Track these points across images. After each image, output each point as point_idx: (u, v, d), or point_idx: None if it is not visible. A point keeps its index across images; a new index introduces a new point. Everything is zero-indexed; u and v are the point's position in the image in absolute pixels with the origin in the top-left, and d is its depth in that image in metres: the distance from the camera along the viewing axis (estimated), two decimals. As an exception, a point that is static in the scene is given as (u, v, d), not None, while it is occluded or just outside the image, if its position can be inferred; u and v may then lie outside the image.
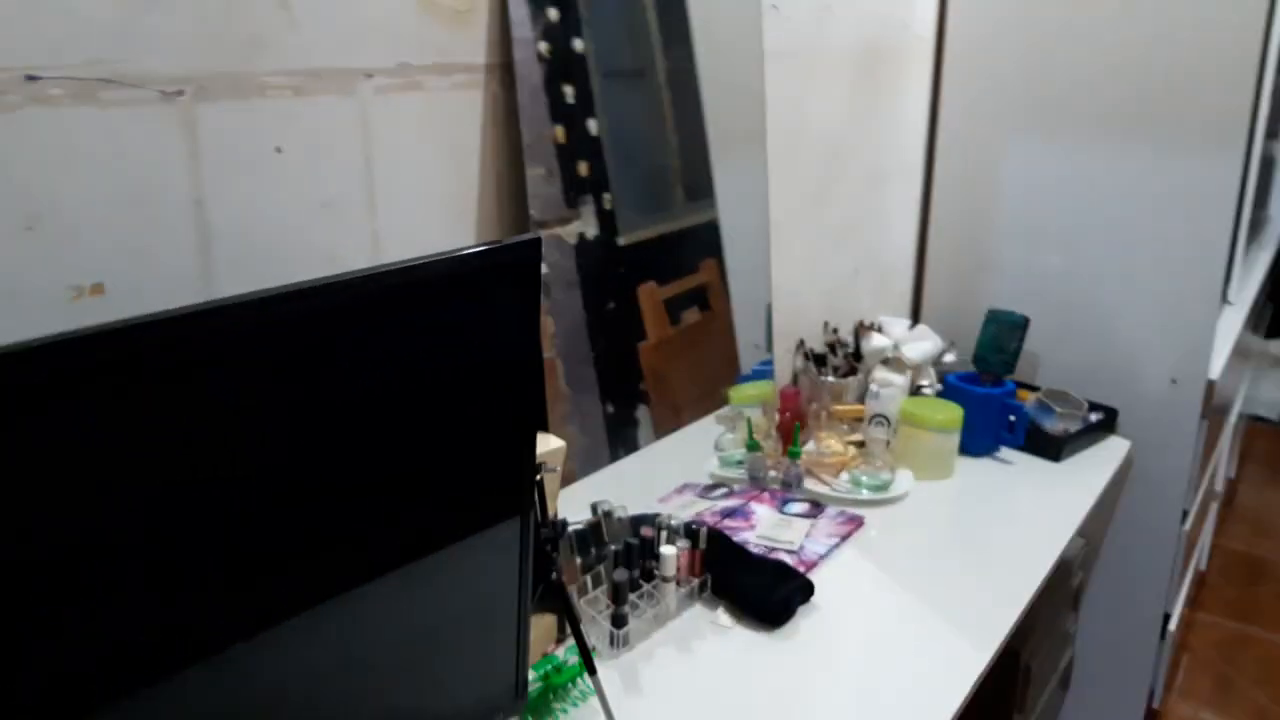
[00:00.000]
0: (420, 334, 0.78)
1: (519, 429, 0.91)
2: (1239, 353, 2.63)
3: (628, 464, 1.64)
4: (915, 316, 2.27)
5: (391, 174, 1.05)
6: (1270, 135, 2.21)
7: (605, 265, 1.68)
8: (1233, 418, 2.67)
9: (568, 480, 1.54)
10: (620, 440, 1.70)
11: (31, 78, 0.72)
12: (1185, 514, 2.06)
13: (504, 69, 1.21)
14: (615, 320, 1.71)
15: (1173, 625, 2.15)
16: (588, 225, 1.64)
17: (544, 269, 1.52)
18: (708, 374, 1.86)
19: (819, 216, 1.94)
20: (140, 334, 0.60)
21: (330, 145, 0.96)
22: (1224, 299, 2.35)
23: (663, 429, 1.78)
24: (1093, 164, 1.98)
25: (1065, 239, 2.05)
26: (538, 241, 0.81)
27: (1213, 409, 2.05)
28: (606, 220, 1.68)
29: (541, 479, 1.06)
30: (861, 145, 2.01)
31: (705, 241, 1.90)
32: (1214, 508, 2.74)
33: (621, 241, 1.72)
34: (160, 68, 0.80)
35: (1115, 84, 1.92)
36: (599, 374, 1.67)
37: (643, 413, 1.75)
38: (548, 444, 1.12)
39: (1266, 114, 2.03)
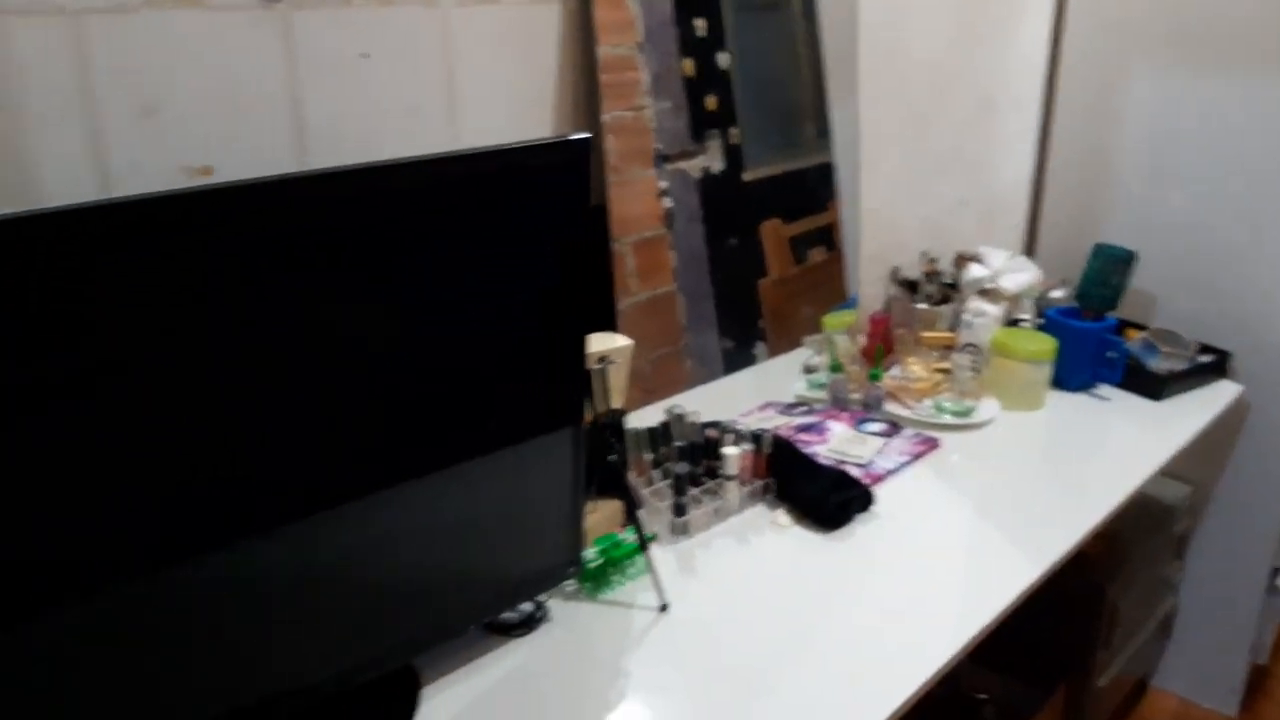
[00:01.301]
0: (473, 225, 0.86)
1: (570, 329, 0.99)
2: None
3: (729, 380, 1.71)
4: (1029, 252, 2.23)
5: (472, 82, 1.14)
6: None
7: (729, 201, 1.70)
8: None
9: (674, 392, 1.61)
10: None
11: (149, -16, 0.85)
12: (1305, 466, 1.98)
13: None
14: (737, 256, 1.74)
15: (1285, 581, 2.08)
16: (713, 160, 1.67)
17: (668, 203, 1.58)
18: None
19: (920, 144, 1.94)
20: (224, 198, 0.71)
21: (415, 53, 1.06)
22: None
23: (779, 362, 1.80)
24: (1227, 96, 1.89)
25: (1193, 176, 1.97)
26: (586, 141, 0.89)
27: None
28: (733, 155, 1.70)
29: (604, 370, 1.15)
30: (971, 71, 1.98)
31: (833, 181, 1.90)
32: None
33: (747, 177, 1.74)
34: (262, -22, 0.92)
35: (1257, 7, 1.83)
36: (718, 309, 1.72)
37: (760, 350, 1.80)
38: (615, 341, 1.21)
39: None
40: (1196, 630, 2.18)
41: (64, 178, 0.85)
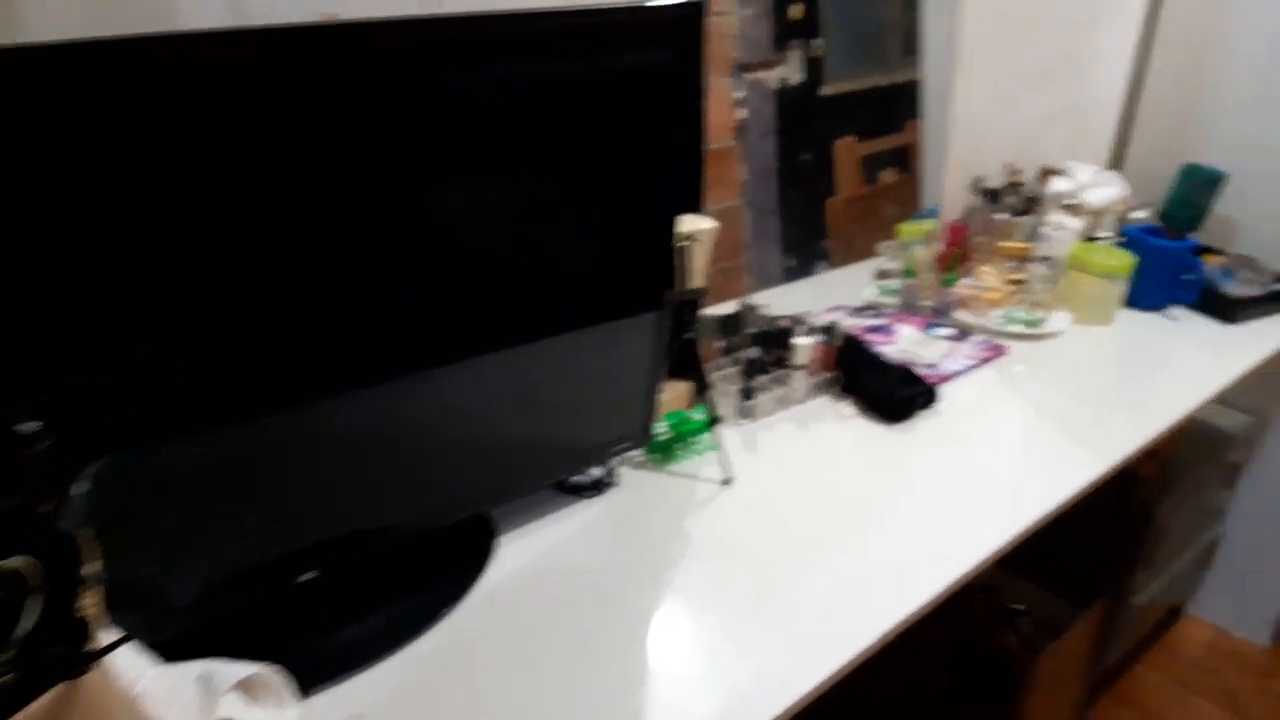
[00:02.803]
0: (573, 89, 0.86)
1: (664, 211, 1.00)
2: None
3: (794, 286, 1.72)
4: (1116, 170, 2.19)
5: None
6: None
7: (805, 114, 1.66)
8: None
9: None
10: (796, 295, 1.73)
11: None
12: (1372, 406, 1.96)
13: None
14: (808, 173, 1.70)
15: (1336, 519, 2.08)
16: (792, 71, 1.63)
17: (743, 114, 1.54)
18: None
19: (1015, 55, 1.89)
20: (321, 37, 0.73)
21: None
22: None
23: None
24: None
25: (1294, 103, 1.91)
26: (698, 6, 0.89)
27: None
28: (813, 68, 1.66)
29: (688, 250, 1.17)
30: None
31: (914, 101, 1.86)
32: None
33: (825, 91, 1.71)
34: None
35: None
36: (784, 226, 1.70)
37: (822, 269, 1.79)
38: (701, 223, 1.22)
39: None
40: (1238, 560, 2.19)
41: (201, 17, 0.87)
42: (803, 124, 1.67)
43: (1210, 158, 1.97)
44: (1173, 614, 2.31)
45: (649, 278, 1.04)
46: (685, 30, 0.90)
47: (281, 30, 0.69)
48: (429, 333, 0.88)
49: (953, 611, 1.14)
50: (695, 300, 1.19)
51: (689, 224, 1.21)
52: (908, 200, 1.89)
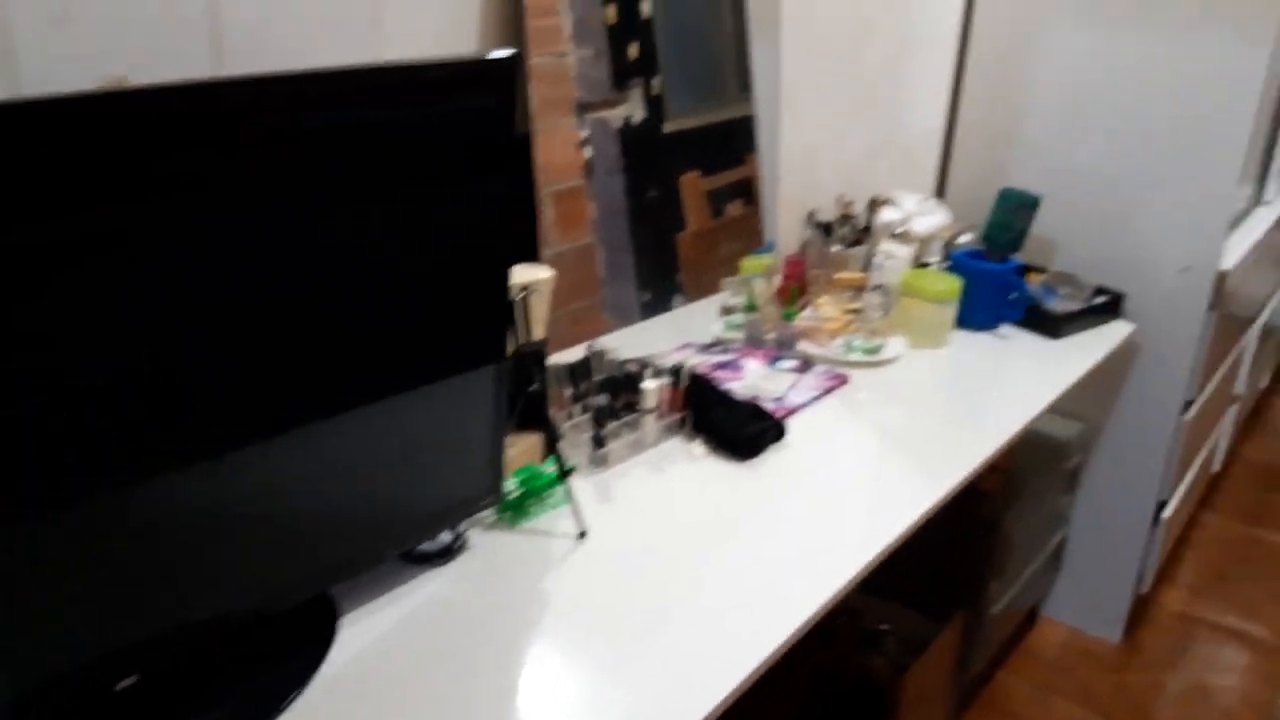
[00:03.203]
0: (393, 144, 0.84)
1: (494, 259, 0.98)
2: (1275, 259, 2.60)
3: (648, 323, 1.72)
4: (939, 198, 2.29)
5: (398, 2, 1.12)
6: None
7: (649, 152, 1.68)
8: (1259, 324, 2.66)
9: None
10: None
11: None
12: (1188, 405, 2.09)
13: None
14: (657, 209, 1.72)
15: (1167, 514, 2.21)
16: (634, 109, 1.64)
17: (587, 152, 1.55)
18: (746, 267, 1.89)
19: (838, 90, 1.96)
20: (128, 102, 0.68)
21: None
22: (1259, 199, 2.34)
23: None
24: (1128, 47, 1.96)
25: (1095, 125, 2.04)
26: (515, 58, 0.88)
27: (1227, 305, 2.06)
28: (655, 105, 1.68)
29: (526, 300, 1.15)
30: (889, 19, 2.01)
31: (752, 135, 1.90)
32: (1232, 412, 2.75)
33: (668, 128, 1.73)
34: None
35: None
36: (636, 263, 1.71)
37: (678, 303, 1.80)
38: (538, 273, 1.21)
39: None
40: (1085, 561, 2.30)
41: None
42: (648, 161, 1.68)
43: (1025, 181, 2.08)
44: (1029, 618, 2.40)
45: (484, 331, 1.01)
46: (503, 83, 0.89)
47: (72, 100, 0.64)
48: (251, 403, 0.83)
49: (818, 639, 1.14)
50: (539, 351, 1.17)
51: (525, 274, 1.20)
52: (753, 232, 1.93)
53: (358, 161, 0.82)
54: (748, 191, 1.89)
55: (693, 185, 1.78)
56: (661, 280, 1.75)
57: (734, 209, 1.87)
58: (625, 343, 1.63)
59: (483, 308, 1.00)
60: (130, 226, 0.70)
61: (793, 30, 1.81)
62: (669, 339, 1.68)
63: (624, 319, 1.70)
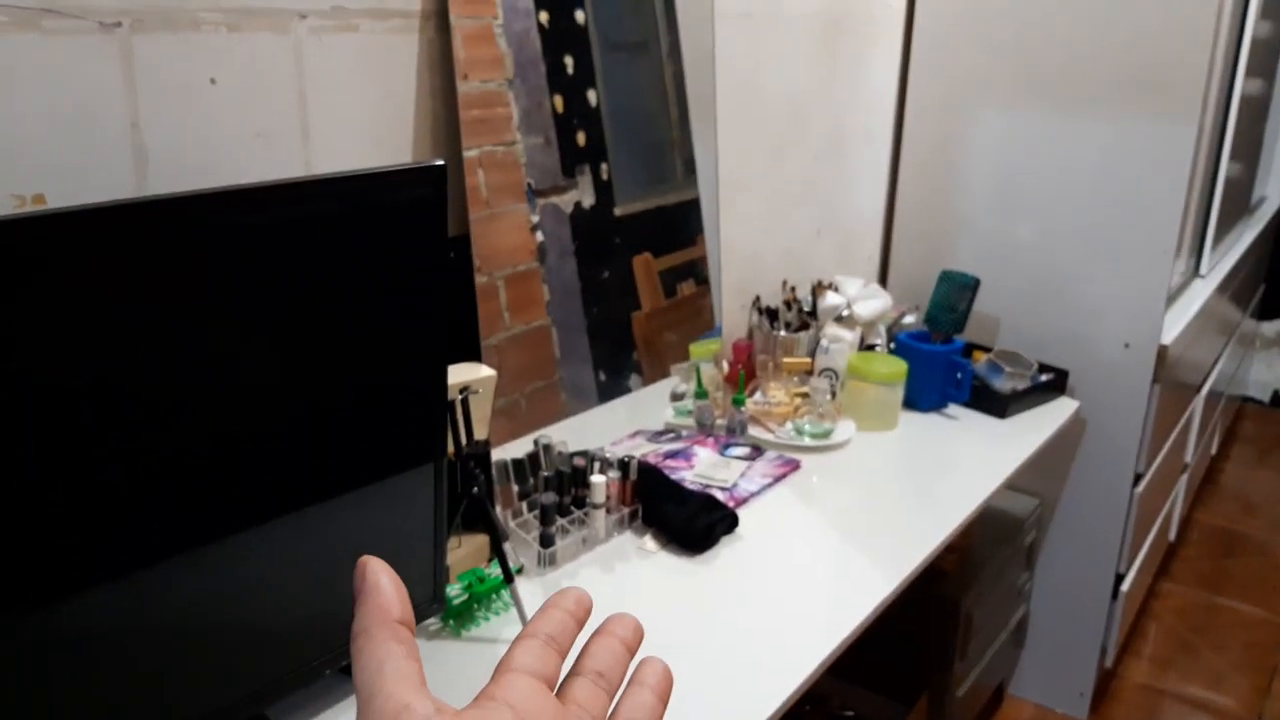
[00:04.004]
0: (322, 255, 0.84)
1: (429, 364, 0.98)
2: (1216, 328, 2.66)
3: (604, 408, 1.72)
4: (883, 280, 2.33)
5: (326, 109, 1.12)
6: (1231, 104, 2.24)
7: (601, 235, 1.71)
8: (1204, 392, 2.70)
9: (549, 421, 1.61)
10: (612, 409, 1.74)
11: (-25, 5, 0.80)
12: (1139, 478, 2.11)
13: (439, 15, 1.28)
14: (609, 290, 1.74)
15: (1126, 586, 2.21)
16: (584, 194, 1.68)
17: (539, 237, 1.58)
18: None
19: (777, 177, 2.00)
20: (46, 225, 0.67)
21: (265, 79, 1.03)
22: (1196, 271, 2.40)
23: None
24: (1059, 132, 2.03)
25: (1030, 206, 2.10)
26: (442, 169, 0.88)
27: (1171, 376, 2.10)
28: (603, 190, 1.71)
29: (466, 401, 1.14)
30: (825, 108, 2.07)
31: (700, 216, 1.94)
32: (1184, 480, 2.78)
33: (618, 212, 1.76)
34: (100, 1, 0.88)
35: (1079, 54, 1.97)
36: (592, 342, 1.72)
37: (635, 382, 1.80)
38: (479, 372, 1.20)
39: (1221, 80, 2.07)
40: (1047, 637, 2.29)
41: None
42: (600, 243, 1.71)
43: (966, 261, 2.12)
44: (996, 696, 2.37)
45: (419, 432, 1.00)
46: (432, 190, 0.89)
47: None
48: (175, 511, 0.80)
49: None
50: (483, 453, 1.15)
51: (466, 373, 1.19)
52: (706, 310, 1.95)
53: (289, 271, 0.81)
54: (699, 272, 1.92)
55: (645, 266, 1.80)
56: (617, 360, 1.76)
57: (686, 288, 1.89)
58: (579, 429, 1.62)
59: (417, 408, 0.98)
60: (52, 336, 0.68)
61: (728, 124, 1.85)
62: (623, 424, 1.67)
63: (581, 399, 1.69)
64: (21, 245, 0.65)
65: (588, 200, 1.68)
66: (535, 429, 1.58)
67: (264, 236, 0.79)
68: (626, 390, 1.79)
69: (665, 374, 1.86)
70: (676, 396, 1.77)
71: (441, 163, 0.84)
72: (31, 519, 0.71)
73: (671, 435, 1.66)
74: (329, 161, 1.13)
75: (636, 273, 1.80)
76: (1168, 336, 2.00)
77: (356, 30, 1.13)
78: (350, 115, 1.16)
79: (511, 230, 1.53)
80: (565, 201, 1.63)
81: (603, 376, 1.73)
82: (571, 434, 1.59)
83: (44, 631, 0.75)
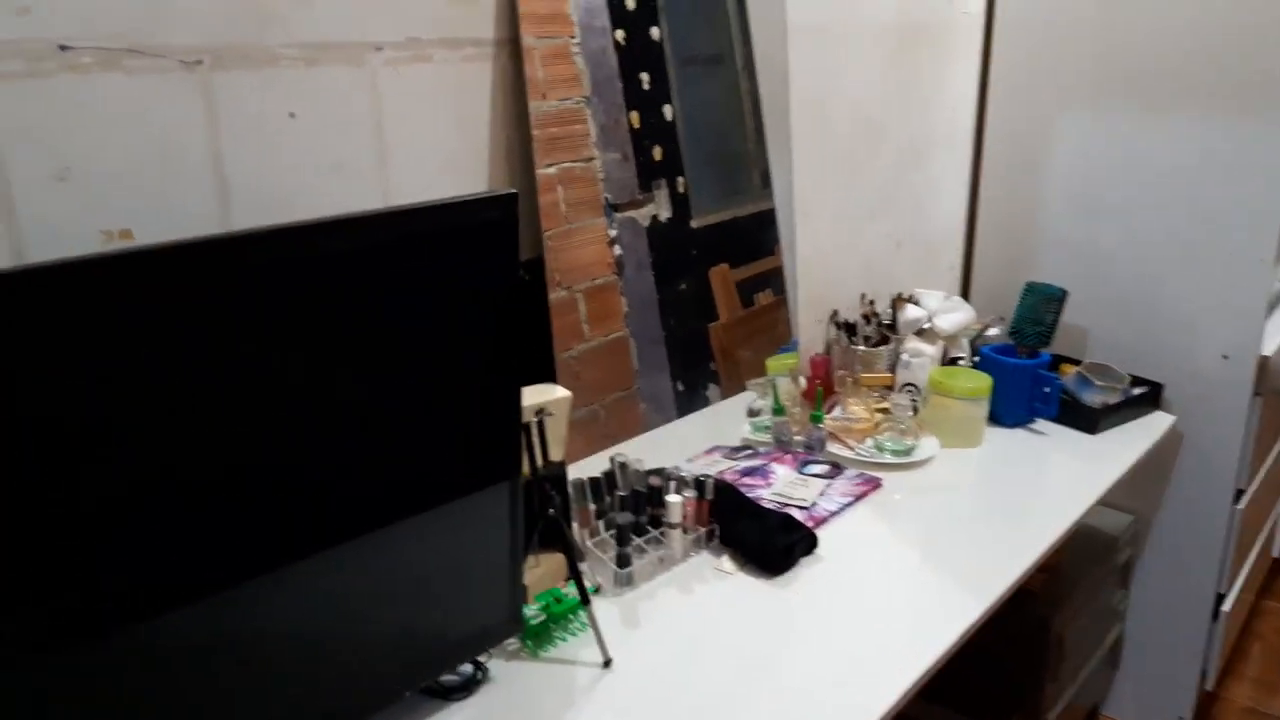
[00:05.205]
0: (398, 282, 0.85)
1: (504, 386, 0.98)
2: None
3: (682, 423, 1.72)
4: (964, 291, 2.28)
5: (402, 139, 1.14)
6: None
7: (678, 247, 1.73)
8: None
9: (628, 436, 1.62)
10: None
11: (64, 47, 0.83)
12: (1240, 494, 2.02)
13: (512, 43, 1.29)
14: (687, 301, 1.76)
15: (1227, 606, 2.11)
16: (661, 208, 1.70)
17: (617, 250, 1.61)
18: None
19: (853, 189, 1.97)
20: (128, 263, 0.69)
21: (342, 111, 1.05)
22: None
23: (731, 404, 1.82)
24: (1148, 135, 1.96)
25: (1118, 212, 2.03)
26: (513, 196, 0.89)
27: (1273, 388, 2.00)
28: (680, 203, 1.73)
29: (541, 424, 1.14)
30: (902, 118, 2.03)
31: (777, 226, 1.94)
32: (1290, 494, 2.65)
33: (695, 224, 1.77)
34: (180, 40, 0.91)
35: (1170, 52, 1.90)
36: (669, 353, 1.73)
37: (713, 392, 1.81)
38: (554, 393, 1.20)
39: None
40: (1144, 658, 2.20)
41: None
42: (677, 255, 1.73)
43: (1051, 270, 2.06)
44: (1090, 716, 2.29)
45: (494, 453, 1.00)
46: (503, 217, 0.90)
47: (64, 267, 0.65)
48: (260, 534, 0.82)
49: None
50: (558, 474, 1.15)
51: (542, 395, 1.19)
52: (783, 321, 1.94)
53: (366, 297, 0.83)
54: (776, 282, 1.92)
55: (722, 277, 1.82)
56: (695, 370, 1.78)
57: (764, 298, 1.90)
58: (656, 444, 1.63)
59: (491, 428, 0.99)
60: (147, 369, 0.70)
61: (802, 138, 1.83)
62: (700, 439, 1.67)
63: (660, 410, 1.71)
64: (120, 281, 0.67)
65: (664, 213, 1.69)
66: (614, 440, 1.60)
67: (344, 266, 0.81)
68: (705, 401, 1.79)
69: (743, 386, 1.85)
70: (753, 412, 1.76)
71: (513, 191, 0.85)
72: (119, 537, 0.73)
73: (749, 452, 1.65)
74: (405, 189, 1.15)
75: (713, 284, 1.80)
76: (1269, 347, 1.91)
77: (430, 60, 1.14)
78: (425, 143, 1.18)
79: (589, 244, 1.55)
80: (642, 215, 1.65)
81: (680, 387, 1.74)
82: (649, 449, 1.59)
83: (120, 653, 0.77)
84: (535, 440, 1.13)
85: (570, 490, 1.30)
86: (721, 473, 1.56)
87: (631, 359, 1.64)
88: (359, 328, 0.83)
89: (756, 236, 1.89)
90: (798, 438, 1.65)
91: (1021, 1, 2.09)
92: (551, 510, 1.13)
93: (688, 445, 1.65)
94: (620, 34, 1.53)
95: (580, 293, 1.53)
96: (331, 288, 0.80)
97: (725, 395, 1.83)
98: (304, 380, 0.81)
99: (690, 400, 1.76)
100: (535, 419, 1.12)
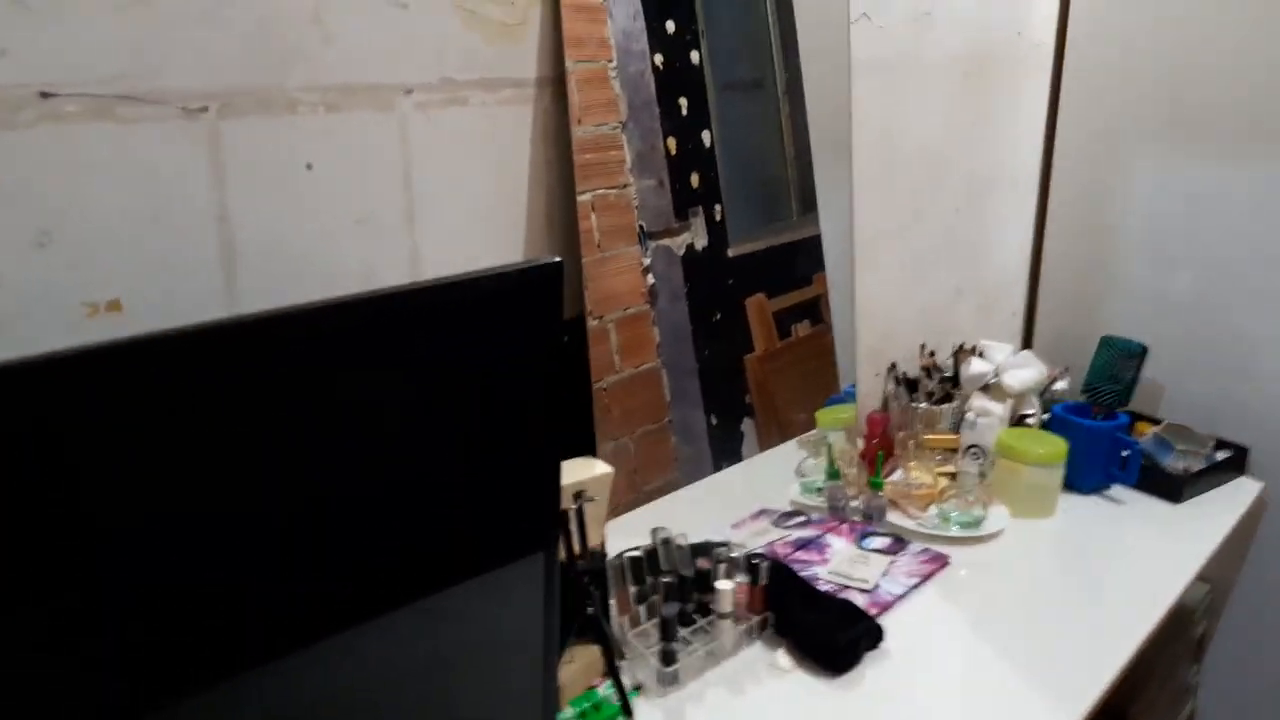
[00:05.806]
0: (433, 359, 0.75)
1: (542, 459, 0.87)
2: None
3: (722, 478, 1.62)
4: (1027, 341, 2.13)
5: (433, 190, 1.02)
6: None
7: (713, 276, 1.67)
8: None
9: (669, 489, 1.53)
10: (724, 452, 1.67)
11: (46, 95, 0.72)
12: (1328, 564, 1.86)
13: (556, 82, 1.17)
14: (721, 331, 1.68)
15: (1312, 686, 1.95)
16: (697, 236, 1.63)
17: (650, 279, 1.54)
18: (817, 388, 1.82)
19: (915, 233, 1.84)
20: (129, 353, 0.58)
21: (366, 161, 0.94)
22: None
23: (768, 442, 1.74)
24: (1231, 178, 1.81)
25: (1197, 260, 1.88)
26: (558, 266, 0.77)
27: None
28: (717, 231, 1.66)
29: (581, 509, 1.02)
30: (966, 158, 1.90)
31: (820, 254, 1.84)
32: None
33: (731, 253, 1.70)
34: (182, 84, 0.79)
35: (1252, 89, 1.76)
36: (703, 385, 1.64)
37: (747, 425, 1.72)
38: (592, 469, 1.08)
39: None
40: (1218, 737, 2.04)
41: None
42: (712, 285, 1.65)
43: (1120, 317, 1.93)
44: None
45: (528, 539, 0.89)
46: (546, 286, 0.78)
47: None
48: (278, 613, 0.71)
49: None
50: (596, 568, 1.03)
51: (581, 470, 1.07)
52: (823, 352, 1.82)
53: (394, 371, 0.72)
54: (815, 312, 1.81)
55: (758, 307, 1.73)
56: (729, 403, 1.68)
57: (801, 329, 1.80)
58: (695, 502, 1.53)
59: (526, 504, 0.88)
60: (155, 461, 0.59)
61: (866, 178, 1.71)
62: (743, 497, 1.56)
63: (691, 443, 1.62)
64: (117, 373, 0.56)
65: (700, 242, 1.63)
66: (647, 478, 1.53)
67: (369, 341, 0.70)
68: (739, 436, 1.69)
69: (780, 420, 1.74)
70: (803, 473, 1.63)
71: (558, 260, 0.73)
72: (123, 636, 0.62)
73: (800, 519, 1.52)
74: (435, 247, 1.04)
75: (750, 314, 1.73)
76: (1365, 407, 1.76)
77: (466, 104, 1.03)
78: (458, 195, 1.06)
79: (623, 273, 1.50)
80: (677, 243, 1.59)
81: (714, 420, 1.66)
82: (687, 510, 1.49)
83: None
84: (574, 528, 1.01)
85: (608, 573, 1.18)
86: (772, 544, 1.43)
87: (664, 391, 1.57)
88: (389, 401, 0.73)
89: (795, 265, 1.81)
90: (854, 504, 1.52)
91: (1094, 32, 1.95)
92: (590, 609, 1.00)
93: (730, 505, 1.53)
94: (659, 58, 1.46)
95: (612, 323, 1.47)
96: (354, 362, 0.70)
97: (760, 428, 1.72)
98: (330, 460, 0.71)
99: (724, 433, 1.67)
100: (574, 505, 1.00)
